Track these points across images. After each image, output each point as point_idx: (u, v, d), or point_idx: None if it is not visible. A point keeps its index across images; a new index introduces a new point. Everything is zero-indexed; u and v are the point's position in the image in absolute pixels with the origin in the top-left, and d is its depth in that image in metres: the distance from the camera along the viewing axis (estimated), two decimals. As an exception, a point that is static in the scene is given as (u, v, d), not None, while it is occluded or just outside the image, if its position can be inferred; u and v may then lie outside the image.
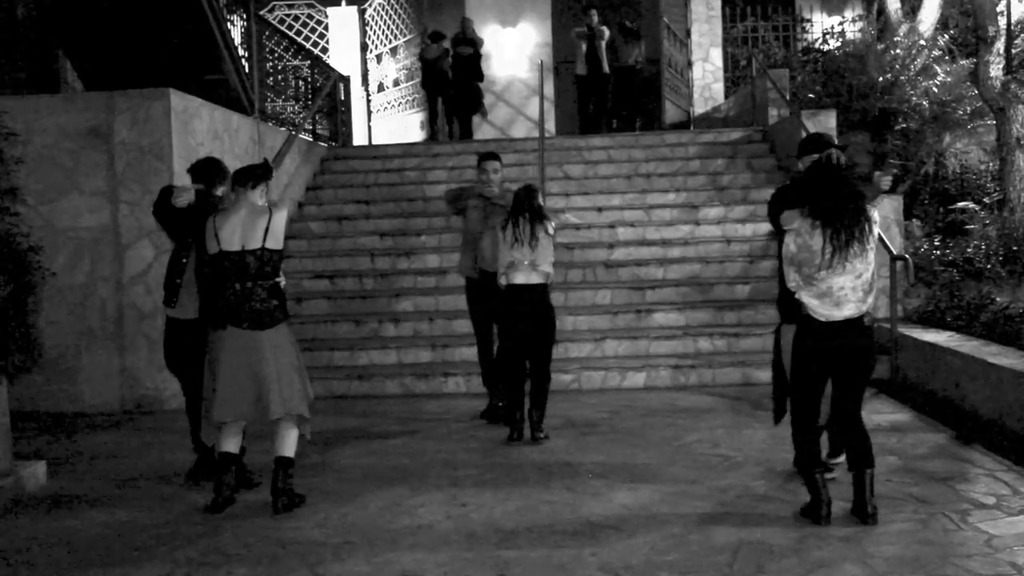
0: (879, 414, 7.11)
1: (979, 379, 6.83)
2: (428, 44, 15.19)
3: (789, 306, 5.01)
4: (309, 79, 13.47)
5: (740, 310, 9.48)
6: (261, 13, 13.52)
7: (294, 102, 12.83)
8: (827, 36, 15.69)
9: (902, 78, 12.24)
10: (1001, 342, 7.41)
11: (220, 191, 5.85)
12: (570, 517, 5.04)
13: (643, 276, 10.17)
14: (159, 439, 7.17)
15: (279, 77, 12.45)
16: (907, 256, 8.49)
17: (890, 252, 8.40)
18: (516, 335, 6.74)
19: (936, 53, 12.72)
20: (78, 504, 5.57)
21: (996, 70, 10.79)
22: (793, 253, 4.80)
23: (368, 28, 17.29)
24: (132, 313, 8.22)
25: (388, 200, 12.01)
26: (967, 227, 10.64)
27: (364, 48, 17.27)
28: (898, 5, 14.26)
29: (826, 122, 10.85)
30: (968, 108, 12.30)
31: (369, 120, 16.74)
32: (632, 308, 9.57)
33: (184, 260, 5.78)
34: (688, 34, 16.55)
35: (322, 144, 13.32)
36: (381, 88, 17.28)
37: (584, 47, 14.71)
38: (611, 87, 14.90)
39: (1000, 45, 10.82)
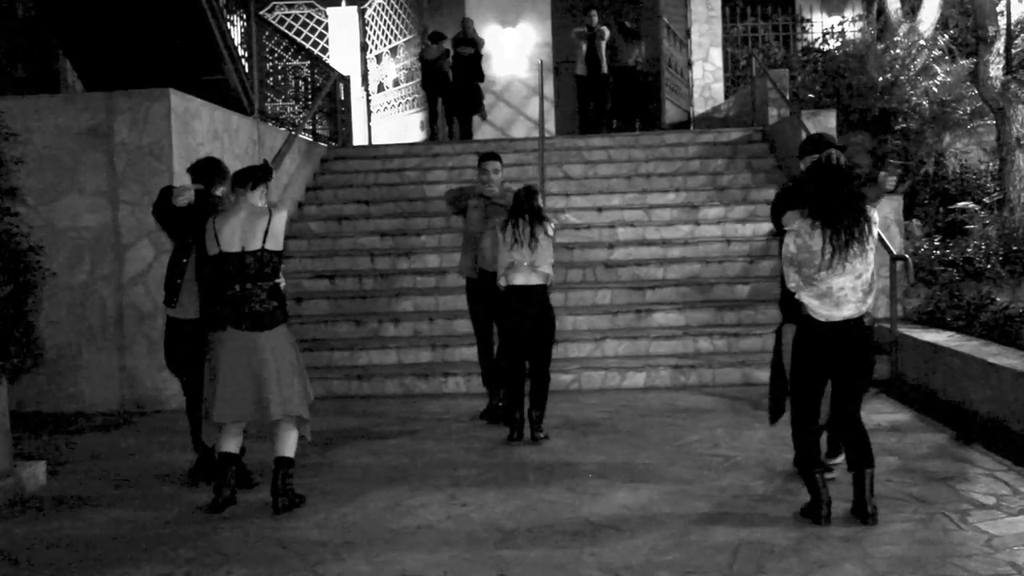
0: (879, 414, 7.11)
1: (979, 379, 6.83)
2: (428, 45, 15.19)
3: (791, 305, 5.01)
4: (309, 79, 13.47)
5: (740, 310, 9.48)
6: (261, 13, 13.52)
7: (294, 102, 12.83)
8: (827, 36, 15.69)
9: (902, 78, 12.24)
10: (1001, 342, 7.41)
11: (220, 191, 5.86)
12: (570, 517, 5.04)
13: (643, 276, 10.17)
14: (159, 439, 7.17)
15: (279, 77, 12.44)
16: (907, 256, 8.49)
17: (890, 252, 8.40)
18: (516, 336, 6.74)
19: (936, 53, 12.72)
20: (78, 504, 5.57)
21: (996, 70, 10.79)
22: (793, 254, 4.80)
23: (368, 28, 17.29)
24: (132, 313, 8.22)
25: (388, 200, 12.01)
26: (967, 227, 10.63)
27: (364, 48, 17.27)
28: (898, 5, 14.25)
29: (826, 122, 10.85)
30: (968, 108, 12.30)
31: (369, 120, 16.74)
32: (632, 308, 9.57)
33: (184, 260, 5.78)
34: (688, 34, 16.55)
35: (322, 144, 13.32)
36: (381, 88, 17.28)
37: (584, 47, 14.73)
38: (610, 87, 14.91)
39: (1000, 45, 10.82)
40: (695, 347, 9.01)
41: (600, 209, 11.32)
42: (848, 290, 4.72)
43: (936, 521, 4.80)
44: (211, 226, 5.28)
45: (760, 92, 13.31)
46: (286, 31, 15.19)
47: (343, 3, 17.71)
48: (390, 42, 17.17)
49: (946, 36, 13.35)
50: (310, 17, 18.07)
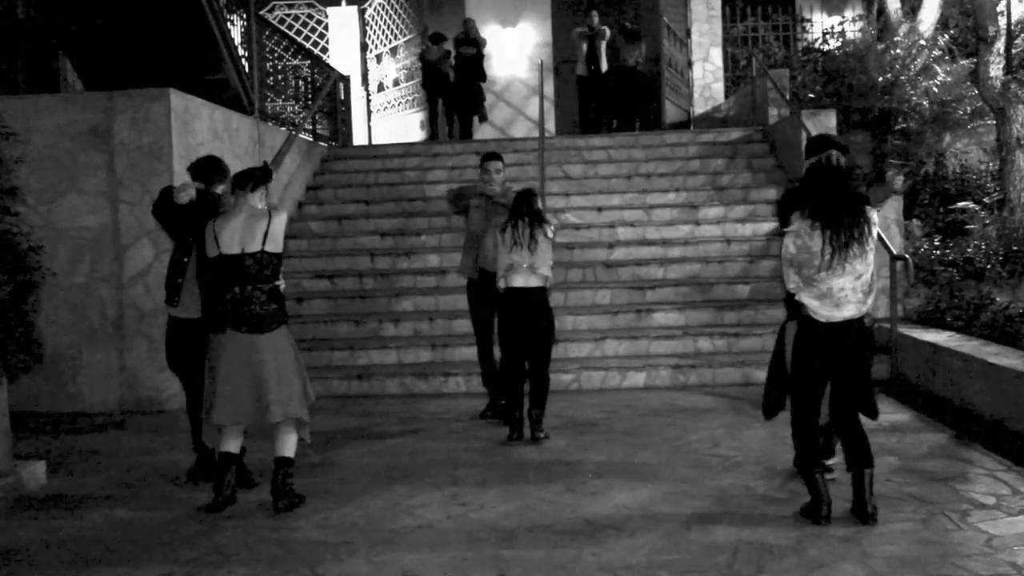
0: (879, 414, 7.09)
1: (979, 379, 6.83)
2: (429, 46, 15.18)
3: (796, 304, 5.01)
4: (309, 79, 13.47)
5: (740, 310, 9.48)
6: (261, 13, 13.51)
7: (294, 102, 12.83)
8: (827, 36, 15.67)
9: (902, 78, 12.23)
10: (1001, 342, 7.42)
11: (220, 189, 5.86)
12: (570, 517, 5.04)
13: (643, 276, 10.17)
14: (159, 439, 7.17)
15: (279, 77, 12.44)
16: (907, 256, 8.49)
17: (890, 252, 8.40)
18: (515, 337, 6.74)
19: (936, 53, 12.72)
20: (78, 504, 5.57)
21: (996, 70, 10.78)
22: (793, 254, 4.80)
23: (368, 28, 17.28)
24: (132, 313, 8.22)
25: (388, 200, 12.01)
26: (967, 227, 10.64)
27: (364, 48, 17.27)
28: (898, 5, 14.25)
29: (826, 122, 10.85)
30: (968, 108, 12.29)
31: (369, 120, 16.74)
32: (632, 308, 9.57)
33: (185, 260, 5.78)
34: (688, 34, 16.55)
35: (322, 144, 13.32)
36: (381, 88, 17.28)
37: (584, 47, 14.73)
38: (611, 86, 14.90)
39: (1000, 45, 10.82)
40: (695, 347, 9.01)
41: (600, 209, 11.32)
42: (848, 291, 4.72)
43: (936, 521, 4.80)
44: (211, 228, 5.28)
45: (760, 92, 13.30)
46: (286, 31, 15.18)
47: (343, 3, 17.71)
48: (390, 42, 17.17)
49: (946, 36, 13.35)
50: (310, 17, 18.06)
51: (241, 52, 10.54)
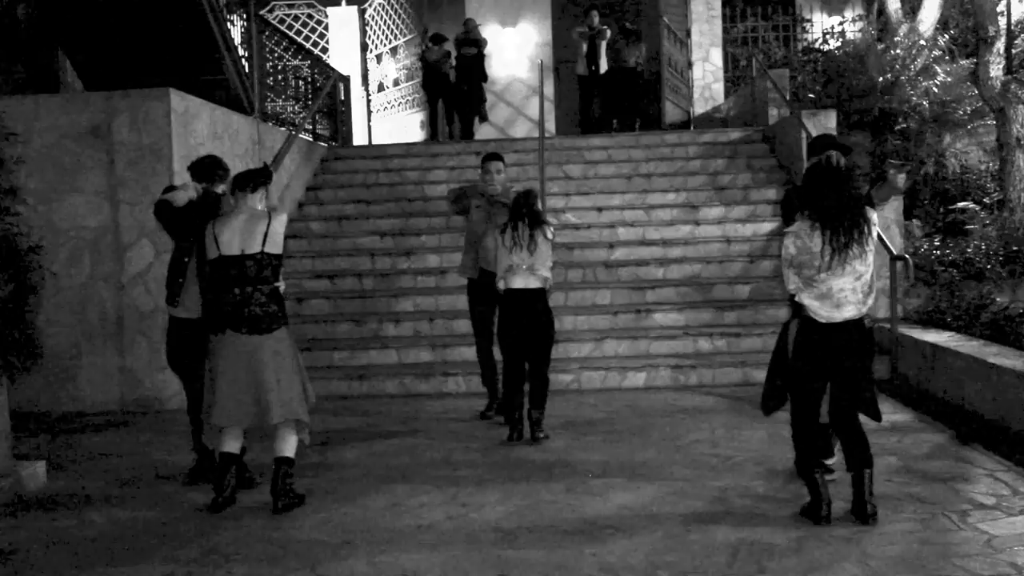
0: (882, 416, 7.09)
1: (979, 379, 6.83)
2: (430, 46, 15.18)
3: (799, 303, 5.00)
4: (309, 79, 13.47)
5: (740, 310, 9.48)
6: (261, 13, 13.51)
7: (294, 102, 12.83)
8: (827, 36, 15.70)
9: (902, 78, 12.25)
10: (1001, 342, 7.42)
11: (220, 188, 5.86)
12: (570, 517, 5.04)
13: (643, 276, 10.17)
14: (159, 439, 7.17)
15: (279, 77, 12.44)
16: (907, 256, 8.49)
17: (890, 252, 8.40)
18: (515, 338, 6.74)
19: (936, 53, 12.73)
20: (78, 504, 5.57)
21: (996, 70, 10.79)
22: (793, 255, 4.80)
23: (368, 28, 17.28)
24: (132, 313, 8.22)
25: (388, 200, 12.01)
26: (967, 227, 10.64)
27: (364, 48, 17.26)
28: (898, 5, 14.26)
29: (826, 122, 10.85)
30: (968, 108, 12.31)
31: (369, 120, 16.74)
32: (632, 308, 9.57)
33: (186, 260, 5.78)
34: (688, 34, 16.54)
35: (322, 144, 13.31)
36: (381, 88, 17.27)
37: (584, 47, 14.74)
38: (611, 87, 14.91)
39: (1000, 45, 10.83)
40: (695, 347, 9.01)
41: (600, 209, 11.32)
42: (848, 291, 4.72)
43: (936, 521, 4.80)
44: (210, 230, 5.29)
45: (760, 92, 13.30)
46: (286, 31, 15.18)
47: (343, 3, 17.70)
48: (390, 42, 17.17)
49: (946, 36, 13.36)
50: (310, 17, 18.06)
51: (241, 52, 10.54)
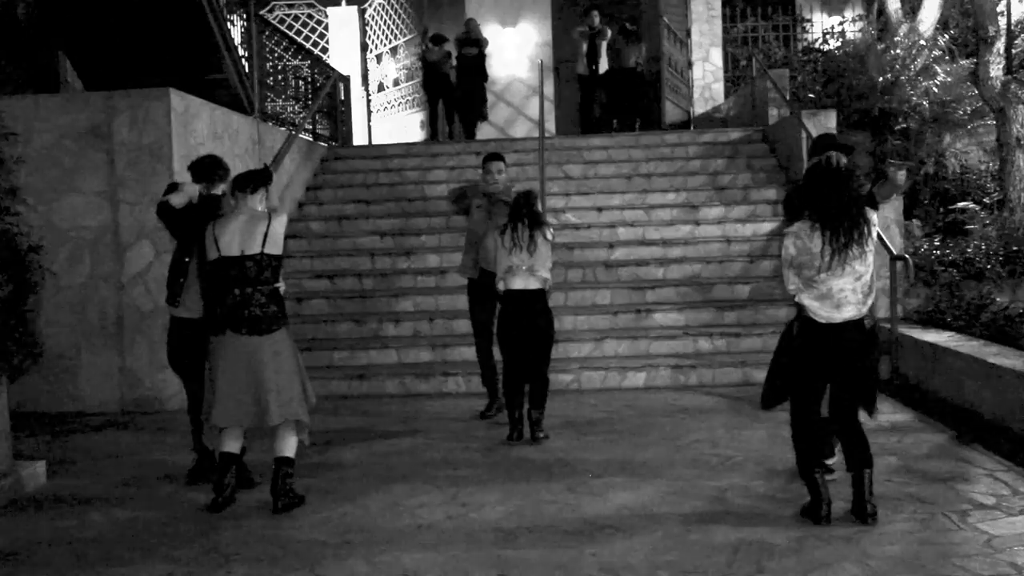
0: (879, 414, 7.06)
1: (979, 379, 6.83)
2: (430, 47, 15.18)
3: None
4: (309, 79, 13.47)
5: (740, 310, 9.47)
6: (261, 13, 13.51)
7: (294, 102, 12.83)
8: (827, 36, 15.70)
9: (902, 78, 12.25)
10: (1001, 342, 7.42)
11: (220, 188, 5.85)
12: (570, 517, 5.04)
13: (643, 276, 10.16)
14: (159, 439, 7.17)
15: (279, 77, 12.44)
16: (907, 256, 8.49)
17: (890, 252, 8.40)
18: (514, 338, 6.73)
19: (936, 53, 12.73)
20: (78, 504, 5.57)
21: (996, 70, 10.80)
22: (792, 256, 4.80)
23: (368, 28, 17.28)
24: (132, 313, 8.22)
25: (388, 200, 12.01)
26: (967, 227, 10.64)
27: (364, 48, 17.26)
28: (898, 5, 14.26)
29: (826, 122, 10.85)
30: (968, 108, 12.31)
31: (369, 120, 16.74)
32: (632, 308, 9.57)
33: (187, 260, 5.78)
34: (688, 34, 16.54)
35: (322, 144, 13.31)
36: (381, 88, 17.27)
37: (585, 47, 14.74)
38: (611, 88, 14.91)
39: (1000, 45, 10.83)
40: (695, 347, 9.01)
41: (600, 209, 11.32)
42: (848, 291, 4.72)
43: (936, 521, 4.80)
44: (210, 231, 5.29)
45: (760, 92, 13.30)
46: (286, 31, 15.18)
47: (343, 3, 17.70)
48: (390, 42, 17.16)
49: (946, 36, 13.37)
50: (310, 17, 18.06)
51: (241, 52, 10.54)
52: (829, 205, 4.68)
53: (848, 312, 4.75)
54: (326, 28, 17.83)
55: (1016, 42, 11.88)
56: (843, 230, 4.65)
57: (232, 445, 5.34)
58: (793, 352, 4.97)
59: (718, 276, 10.11)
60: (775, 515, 4.96)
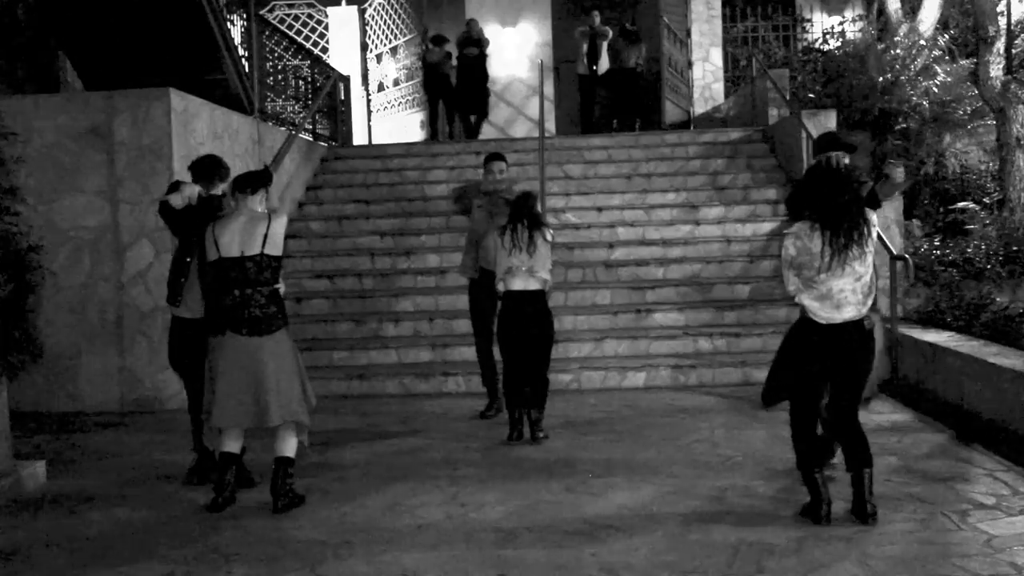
0: (879, 414, 7.11)
1: (979, 379, 6.83)
2: (430, 48, 15.18)
3: None
4: (309, 79, 13.47)
5: (740, 310, 9.47)
6: (261, 13, 13.51)
7: (294, 102, 12.83)
8: (827, 36, 15.69)
9: (902, 78, 12.24)
10: (1001, 342, 7.41)
11: (220, 188, 5.86)
12: (570, 517, 5.04)
13: (643, 276, 10.16)
14: (159, 439, 7.17)
15: (279, 77, 12.44)
16: (907, 256, 8.49)
17: (890, 252, 8.40)
18: (514, 339, 6.73)
19: (936, 53, 12.73)
20: (78, 504, 5.57)
21: (996, 70, 10.79)
22: (792, 256, 4.80)
23: (368, 28, 17.27)
24: (132, 313, 8.22)
25: (388, 200, 12.01)
26: (967, 227, 10.64)
27: (364, 48, 17.26)
28: (898, 5, 14.26)
29: (826, 122, 10.84)
30: (968, 108, 12.31)
31: (369, 120, 16.73)
32: (632, 308, 9.57)
33: (188, 259, 5.77)
34: (688, 34, 16.54)
35: (322, 144, 13.31)
36: (381, 88, 17.27)
37: (585, 47, 14.74)
38: (611, 88, 14.91)
39: (1000, 45, 10.83)
40: (695, 347, 9.01)
41: (600, 209, 11.32)
42: (848, 292, 4.72)
43: (936, 521, 4.80)
44: (210, 232, 5.29)
45: (760, 92, 13.30)
46: (286, 31, 15.17)
47: (343, 3, 17.70)
48: (390, 42, 17.16)
49: (946, 36, 13.36)
50: (310, 17, 18.06)
51: (241, 52, 10.53)
52: (829, 205, 4.68)
53: (848, 312, 4.74)
54: (326, 28, 17.82)
55: (1016, 42, 11.88)
56: (843, 231, 4.65)
57: (232, 445, 5.34)
58: (793, 353, 4.96)
59: (718, 276, 10.11)
60: (775, 515, 4.96)
